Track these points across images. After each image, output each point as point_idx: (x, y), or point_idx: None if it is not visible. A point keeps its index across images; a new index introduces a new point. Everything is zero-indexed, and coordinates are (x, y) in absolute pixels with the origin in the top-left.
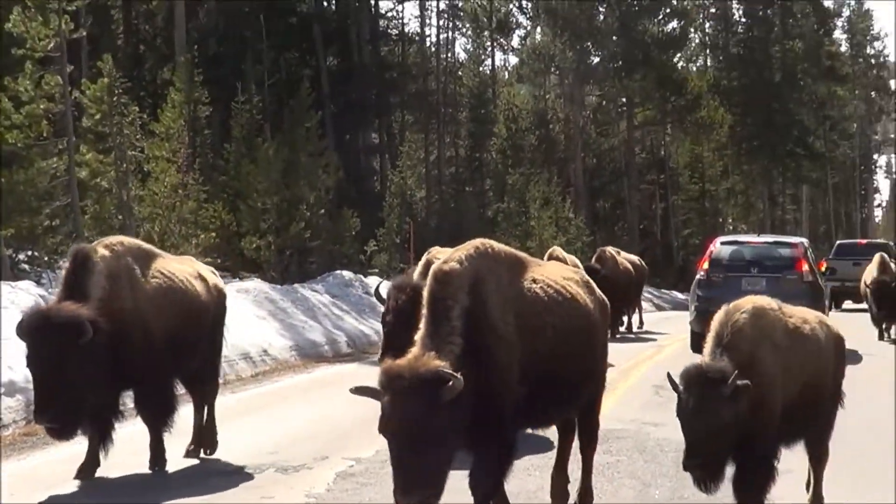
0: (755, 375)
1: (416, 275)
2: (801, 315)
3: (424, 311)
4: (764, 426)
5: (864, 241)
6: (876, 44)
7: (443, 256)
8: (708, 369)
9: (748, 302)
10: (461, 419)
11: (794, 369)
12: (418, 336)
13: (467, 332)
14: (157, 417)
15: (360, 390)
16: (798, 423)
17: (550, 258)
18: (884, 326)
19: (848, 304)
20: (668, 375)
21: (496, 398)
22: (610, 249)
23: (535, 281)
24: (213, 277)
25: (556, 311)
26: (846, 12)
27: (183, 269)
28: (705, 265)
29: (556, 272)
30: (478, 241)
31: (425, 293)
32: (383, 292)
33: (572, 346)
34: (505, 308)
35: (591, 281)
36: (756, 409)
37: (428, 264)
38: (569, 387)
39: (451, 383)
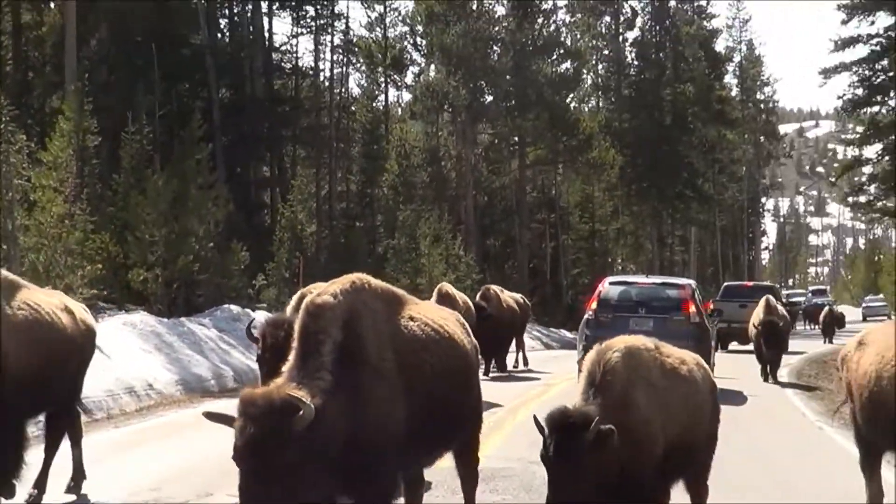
0: (630, 417)
1: (289, 310)
2: (679, 356)
3: (295, 344)
4: (642, 467)
5: (751, 283)
6: (766, 89)
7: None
8: (570, 414)
9: (621, 342)
10: (321, 454)
11: (672, 409)
12: (285, 368)
13: (340, 368)
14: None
15: (214, 416)
16: (677, 464)
17: (440, 295)
18: (769, 369)
19: (734, 345)
20: (535, 418)
21: (373, 438)
22: (494, 288)
23: (412, 319)
24: (83, 312)
25: (433, 350)
26: (737, 58)
27: (50, 301)
28: (594, 305)
29: (433, 311)
30: (354, 276)
31: (297, 326)
32: (257, 330)
33: (450, 386)
34: (382, 344)
35: (466, 323)
36: (634, 451)
37: (302, 299)
38: (447, 426)
39: (301, 412)
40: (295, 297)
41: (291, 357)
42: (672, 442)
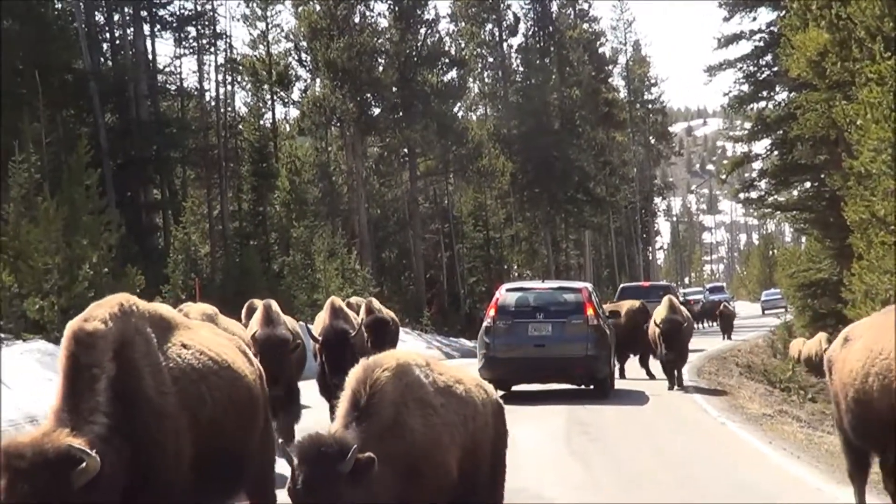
0: (403, 442)
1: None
2: (454, 374)
3: (61, 378)
4: (428, 496)
5: (648, 283)
6: (653, 89)
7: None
8: (323, 442)
9: (391, 358)
10: None
11: (452, 430)
12: (52, 409)
13: (115, 408)
14: None
15: None
16: (460, 493)
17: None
18: (675, 373)
19: None
20: (282, 446)
21: (157, 489)
22: (375, 302)
23: (185, 346)
24: None
25: (212, 381)
26: (623, 59)
27: None
28: (492, 312)
29: (209, 337)
30: (121, 297)
31: (62, 357)
32: None
33: (235, 421)
34: (159, 376)
35: (248, 350)
36: (413, 482)
37: (251, 310)
38: (234, 466)
39: (84, 464)
40: (245, 308)
41: (58, 396)
42: (458, 469)
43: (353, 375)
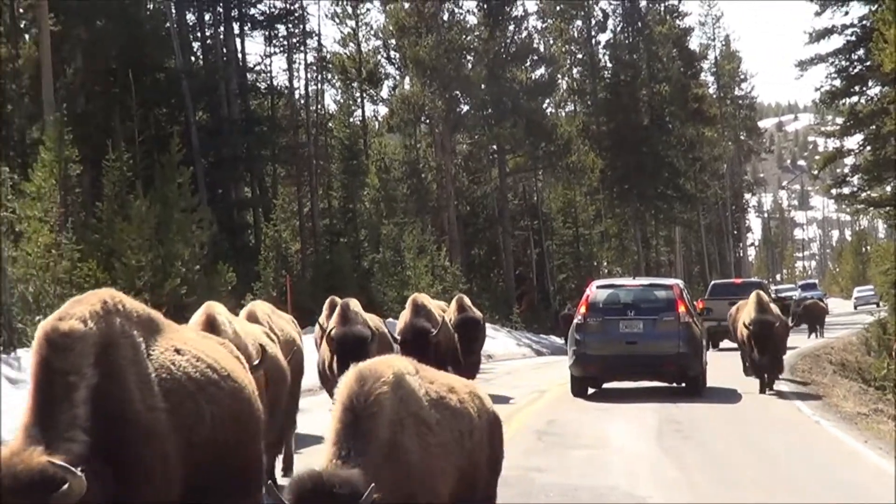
0: (400, 467)
1: (322, 318)
2: (445, 382)
3: (32, 386)
4: None
5: (740, 280)
6: (743, 85)
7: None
8: (329, 482)
9: (386, 366)
10: None
11: (447, 450)
12: (23, 423)
13: (96, 423)
14: None
15: None
16: None
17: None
18: (765, 378)
19: (725, 343)
20: (270, 486)
21: None
22: (465, 299)
23: (178, 351)
24: None
25: (211, 393)
26: (712, 55)
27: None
28: (583, 309)
29: (202, 342)
30: (105, 293)
31: (33, 362)
32: None
33: (235, 439)
34: (147, 388)
35: (241, 356)
36: None
37: (333, 307)
38: (232, 491)
39: (67, 486)
40: (326, 305)
41: (29, 407)
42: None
43: (346, 387)
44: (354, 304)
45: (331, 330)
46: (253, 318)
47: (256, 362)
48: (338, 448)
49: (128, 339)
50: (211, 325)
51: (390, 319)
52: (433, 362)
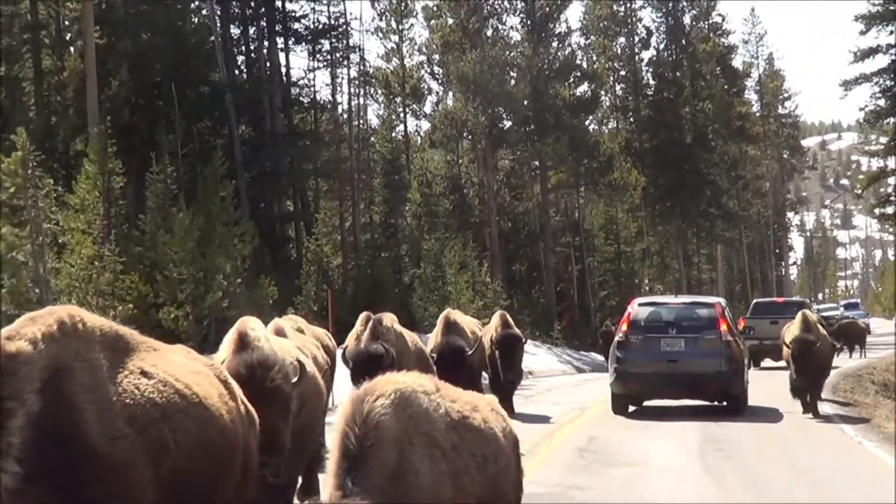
0: (408, 493)
1: (352, 335)
2: (469, 400)
3: None
4: None
5: (781, 299)
6: (786, 103)
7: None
8: None
9: (387, 383)
10: None
11: (465, 479)
12: None
13: (39, 455)
14: None
15: None
16: None
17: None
18: (808, 398)
19: (767, 362)
20: None
21: None
22: (507, 316)
23: (145, 374)
24: None
25: (177, 419)
26: (756, 73)
27: None
28: (624, 327)
29: (179, 363)
30: (62, 311)
31: None
32: None
33: (203, 470)
34: (107, 416)
35: (230, 378)
36: None
37: (367, 321)
38: None
39: None
40: (360, 319)
41: None
42: None
43: (344, 410)
44: (388, 320)
45: (345, 347)
46: (280, 334)
47: (295, 380)
48: (337, 480)
49: (85, 362)
50: (242, 342)
51: (428, 336)
52: (466, 380)
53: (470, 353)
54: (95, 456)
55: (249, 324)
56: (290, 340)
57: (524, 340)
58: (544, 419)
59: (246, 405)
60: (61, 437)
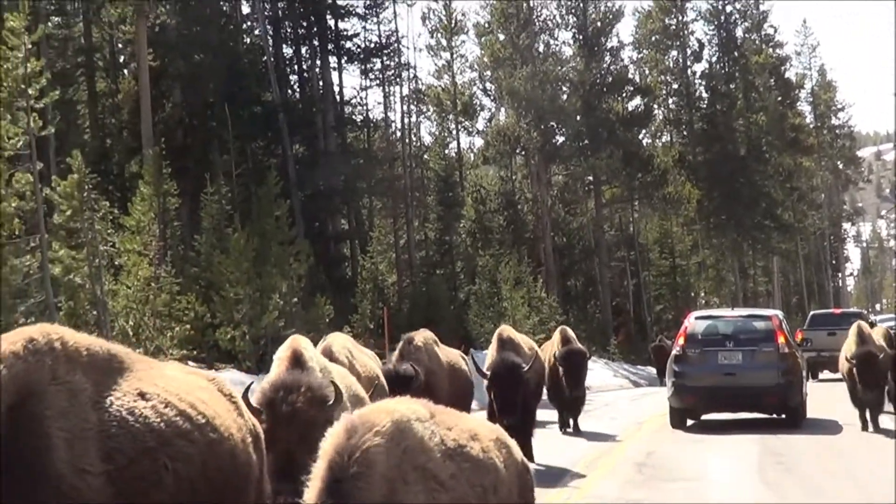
0: None
1: (394, 357)
2: (468, 427)
3: None
4: None
5: (839, 310)
6: (840, 114)
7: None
8: None
9: (383, 413)
10: None
11: None
12: None
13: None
14: None
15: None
16: None
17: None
18: (868, 414)
19: (825, 374)
20: None
21: None
22: (569, 331)
23: (143, 396)
24: None
25: (178, 446)
26: (808, 84)
27: None
28: (681, 341)
29: (180, 381)
30: (36, 330)
31: None
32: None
33: (208, 499)
34: (81, 446)
35: (235, 393)
36: None
37: (410, 343)
38: None
39: None
40: (401, 342)
41: None
42: None
43: (331, 441)
44: (420, 339)
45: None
46: (328, 354)
47: (330, 403)
48: None
49: (62, 385)
50: (296, 361)
51: (474, 351)
52: (521, 400)
53: (526, 369)
54: (61, 492)
55: (301, 342)
56: (341, 360)
57: (589, 356)
58: (603, 434)
59: (253, 422)
60: (23, 464)
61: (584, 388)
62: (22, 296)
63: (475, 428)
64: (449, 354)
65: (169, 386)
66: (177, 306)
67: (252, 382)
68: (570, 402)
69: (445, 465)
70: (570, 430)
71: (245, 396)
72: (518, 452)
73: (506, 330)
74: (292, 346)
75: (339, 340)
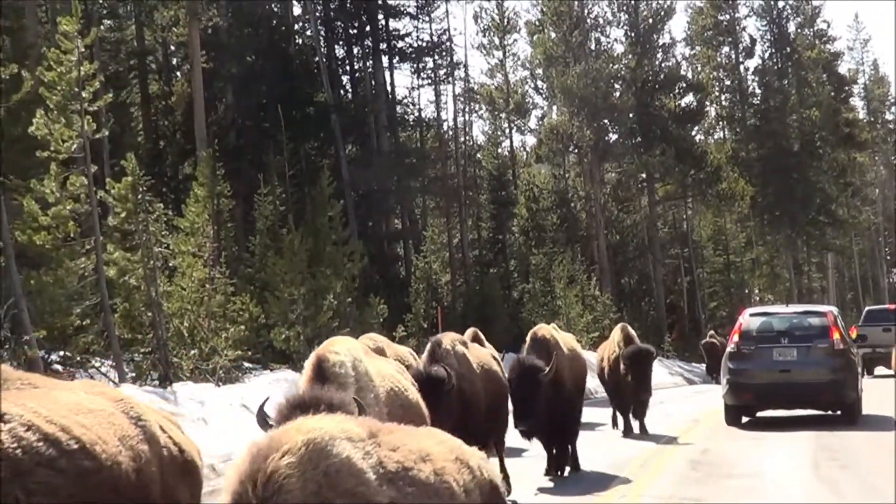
0: None
1: (423, 359)
2: (420, 447)
3: None
4: None
5: (894, 306)
6: (894, 109)
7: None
8: None
9: (294, 432)
10: None
11: None
12: None
13: None
14: None
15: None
16: None
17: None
18: None
19: (880, 370)
20: None
21: None
22: (630, 329)
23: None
24: None
25: (38, 476)
26: (861, 79)
27: None
28: (735, 337)
29: (60, 402)
30: None
31: None
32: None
33: None
34: None
35: (149, 416)
36: None
37: (438, 345)
38: None
39: None
40: (467, 334)
41: None
42: None
43: (234, 468)
44: (449, 341)
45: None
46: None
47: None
48: None
49: None
50: (319, 371)
51: (510, 353)
52: (539, 405)
53: (545, 372)
54: None
55: (333, 346)
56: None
57: (655, 355)
58: (658, 431)
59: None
60: None
61: (651, 388)
62: (78, 298)
63: (428, 448)
64: (480, 356)
65: (41, 408)
66: (231, 307)
67: (267, 398)
68: (635, 404)
69: (382, 490)
70: (636, 432)
71: (261, 413)
72: (488, 471)
73: (541, 329)
74: (318, 353)
75: (365, 343)
